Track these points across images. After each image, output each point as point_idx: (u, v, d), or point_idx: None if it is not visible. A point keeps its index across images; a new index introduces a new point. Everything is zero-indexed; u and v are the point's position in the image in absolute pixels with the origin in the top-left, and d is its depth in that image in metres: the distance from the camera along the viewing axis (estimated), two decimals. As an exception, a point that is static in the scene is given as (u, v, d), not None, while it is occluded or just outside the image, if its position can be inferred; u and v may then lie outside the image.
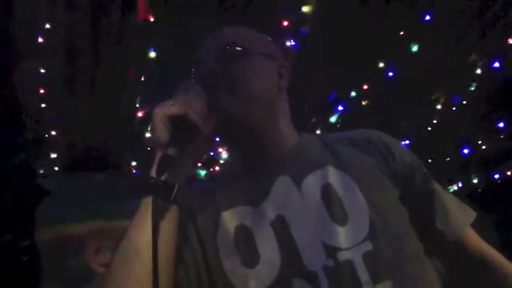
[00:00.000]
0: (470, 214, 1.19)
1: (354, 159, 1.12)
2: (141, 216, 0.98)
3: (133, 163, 5.03)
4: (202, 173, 5.37)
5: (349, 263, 1.00)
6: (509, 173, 5.79)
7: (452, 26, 3.67)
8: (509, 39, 3.98)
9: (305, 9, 3.40)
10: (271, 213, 1.06)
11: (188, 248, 1.07)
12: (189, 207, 1.10)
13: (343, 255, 1.00)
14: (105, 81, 4.10)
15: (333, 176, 1.09)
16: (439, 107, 4.49)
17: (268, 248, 1.03)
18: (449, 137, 4.45)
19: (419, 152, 1.24)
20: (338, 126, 4.53)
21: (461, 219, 1.16)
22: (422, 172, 1.15)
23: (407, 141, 4.19)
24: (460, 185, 4.82)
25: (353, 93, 4.12)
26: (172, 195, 0.97)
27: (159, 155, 0.99)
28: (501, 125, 4.87)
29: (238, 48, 1.11)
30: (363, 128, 1.23)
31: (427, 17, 3.61)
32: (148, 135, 4.68)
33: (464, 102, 4.51)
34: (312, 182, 1.09)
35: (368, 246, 1.01)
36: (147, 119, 4.46)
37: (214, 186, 1.19)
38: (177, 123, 0.96)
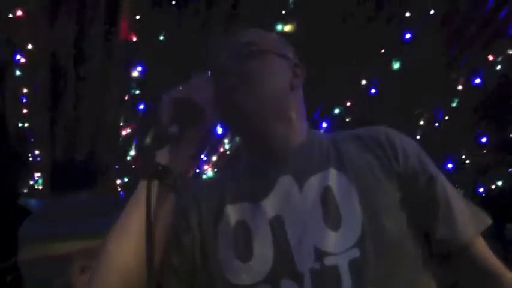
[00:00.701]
0: (482, 221, 1.12)
1: (357, 160, 1.11)
2: (137, 198, 1.00)
3: (118, 181, 5.00)
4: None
5: (335, 268, 1.01)
6: (493, 187, 5.86)
7: (433, 44, 3.70)
8: (489, 56, 4.02)
9: (287, 28, 3.43)
10: (270, 212, 1.09)
11: (188, 234, 1.09)
12: (196, 195, 1.14)
13: (329, 260, 1.01)
14: (88, 100, 4.09)
15: (334, 179, 1.09)
16: (422, 122, 4.53)
17: (263, 246, 1.06)
18: (433, 152, 4.47)
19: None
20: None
21: (467, 226, 1.09)
22: (427, 175, 1.10)
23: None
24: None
25: (337, 110, 4.15)
26: (170, 180, 0.99)
27: (158, 131, 0.99)
28: (484, 139, 4.92)
29: (252, 47, 1.14)
30: (378, 127, 1.20)
31: (408, 35, 3.65)
32: (133, 153, 4.67)
33: (447, 117, 4.56)
34: (313, 184, 1.10)
35: (355, 253, 1.01)
36: (131, 137, 4.46)
37: (222, 179, 1.21)
38: (183, 106, 0.99)
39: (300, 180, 1.10)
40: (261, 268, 1.04)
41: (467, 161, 5.22)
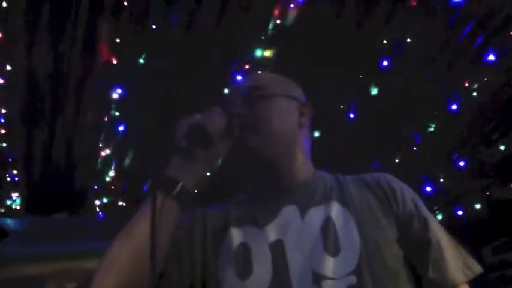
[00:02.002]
0: (472, 270, 1.18)
1: (359, 197, 1.19)
2: (144, 207, 1.05)
3: (97, 202, 4.96)
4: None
5: None
6: (471, 209, 5.91)
7: (410, 70, 3.75)
8: (465, 83, 4.09)
9: (266, 53, 3.46)
10: (272, 236, 1.14)
11: (190, 250, 1.15)
12: (203, 214, 1.22)
13: (327, 284, 1.06)
14: (67, 121, 4.08)
15: (335, 210, 1.16)
16: (399, 147, 4.57)
17: (262, 266, 1.11)
18: (412, 176, 4.52)
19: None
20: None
21: (458, 271, 1.15)
22: (422, 220, 1.17)
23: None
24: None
25: (316, 134, 4.17)
26: (175, 191, 1.05)
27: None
28: (462, 163, 4.98)
29: (260, 92, 1.24)
30: (379, 172, 1.28)
31: (385, 63, 3.71)
32: (112, 174, 4.64)
33: (424, 142, 4.61)
34: (315, 214, 1.16)
35: (353, 280, 1.06)
36: (110, 158, 4.44)
37: (228, 205, 1.27)
38: (196, 130, 1.09)
39: (303, 210, 1.17)
40: (258, 287, 1.09)
41: (446, 185, 5.27)
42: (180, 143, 1.08)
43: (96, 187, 4.69)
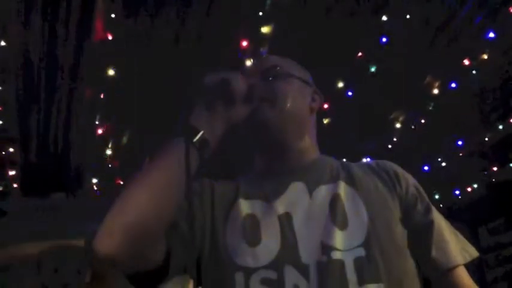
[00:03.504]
0: (470, 253, 1.22)
1: (365, 180, 1.23)
2: (163, 153, 1.06)
3: (94, 180, 4.95)
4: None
5: (340, 263, 1.07)
6: (469, 189, 5.93)
7: (409, 48, 3.71)
8: (464, 60, 4.06)
9: (264, 30, 3.42)
10: (280, 210, 1.17)
11: (200, 210, 1.17)
12: (211, 184, 1.25)
13: (336, 255, 1.08)
14: (64, 98, 4.04)
15: (343, 189, 1.20)
16: (398, 125, 4.56)
17: (270, 235, 1.13)
18: (409, 155, 4.51)
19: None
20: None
21: (457, 254, 1.19)
22: (425, 204, 1.23)
23: (368, 159, 4.22)
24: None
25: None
26: (196, 139, 1.06)
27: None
28: (460, 143, 4.98)
29: (278, 70, 1.28)
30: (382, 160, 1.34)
31: (384, 39, 3.67)
32: (109, 152, 4.62)
33: (423, 121, 4.59)
34: (323, 191, 1.20)
35: (361, 252, 1.09)
36: (107, 136, 4.41)
37: (236, 180, 1.29)
38: (220, 85, 1.12)
39: (311, 187, 1.21)
40: (267, 254, 1.10)
41: (443, 164, 5.27)
42: (203, 94, 1.12)
43: (93, 166, 4.68)
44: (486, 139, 4.99)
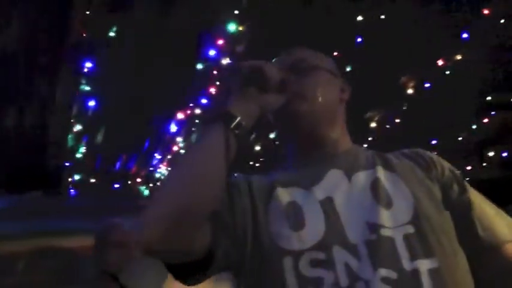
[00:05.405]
0: None
1: (402, 165, 1.23)
2: (204, 137, 1.09)
3: (70, 179, 4.90)
4: (143, 189, 5.29)
5: (391, 239, 1.07)
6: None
7: (385, 48, 3.75)
8: (438, 61, 4.12)
9: (239, 28, 3.42)
10: (320, 195, 1.16)
11: (240, 200, 1.17)
12: (247, 177, 1.23)
13: (385, 232, 1.07)
14: (38, 96, 3.99)
15: (382, 173, 1.19)
16: (373, 124, 4.60)
17: (315, 219, 1.12)
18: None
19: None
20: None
21: (504, 229, 1.19)
22: (461, 184, 1.23)
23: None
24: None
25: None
26: (233, 125, 1.08)
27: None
28: (434, 142, 5.04)
29: (306, 63, 1.27)
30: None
31: (359, 39, 3.70)
32: (83, 150, 4.58)
33: (398, 120, 4.65)
34: (361, 176, 1.19)
35: (410, 229, 1.08)
36: (82, 134, 4.37)
37: (271, 173, 1.29)
38: (255, 72, 1.13)
39: (349, 174, 1.20)
40: (313, 236, 1.09)
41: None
42: (238, 80, 1.14)
43: (67, 164, 4.63)
44: (460, 138, 5.07)
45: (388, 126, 4.64)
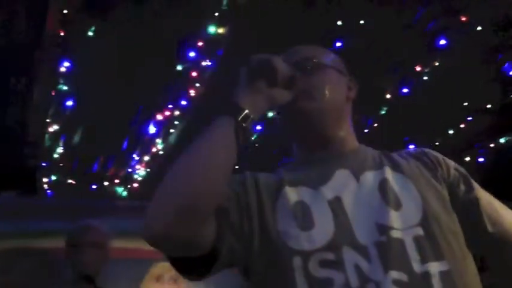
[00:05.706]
0: None
1: (409, 165, 1.23)
2: (211, 128, 1.08)
3: (45, 180, 4.83)
4: (120, 190, 5.25)
5: (400, 242, 1.07)
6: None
7: (363, 53, 3.78)
8: (416, 67, 4.16)
9: (219, 30, 3.42)
10: (329, 195, 1.15)
11: (245, 198, 1.16)
12: (254, 175, 1.22)
13: (395, 234, 1.07)
14: (15, 95, 3.94)
15: (390, 174, 1.19)
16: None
17: (323, 218, 1.11)
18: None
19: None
20: (256, 145, 4.58)
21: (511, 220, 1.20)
22: (468, 183, 1.23)
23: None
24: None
25: (270, 114, 4.17)
26: (240, 117, 1.08)
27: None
28: (411, 147, 5.08)
29: (314, 62, 1.27)
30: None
31: (338, 44, 3.72)
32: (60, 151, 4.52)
33: (376, 125, 4.68)
34: (369, 177, 1.19)
35: (419, 231, 1.09)
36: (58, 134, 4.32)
37: (279, 171, 1.28)
38: (264, 65, 1.14)
39: (357, 174, 1.20)
40: (322, 236, 1.09)
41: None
42: (247, 73, 1.13)
43: (44, 165, 4.56)
44: (437, 143, 5.12)
45: (366, 130, 4.67)
